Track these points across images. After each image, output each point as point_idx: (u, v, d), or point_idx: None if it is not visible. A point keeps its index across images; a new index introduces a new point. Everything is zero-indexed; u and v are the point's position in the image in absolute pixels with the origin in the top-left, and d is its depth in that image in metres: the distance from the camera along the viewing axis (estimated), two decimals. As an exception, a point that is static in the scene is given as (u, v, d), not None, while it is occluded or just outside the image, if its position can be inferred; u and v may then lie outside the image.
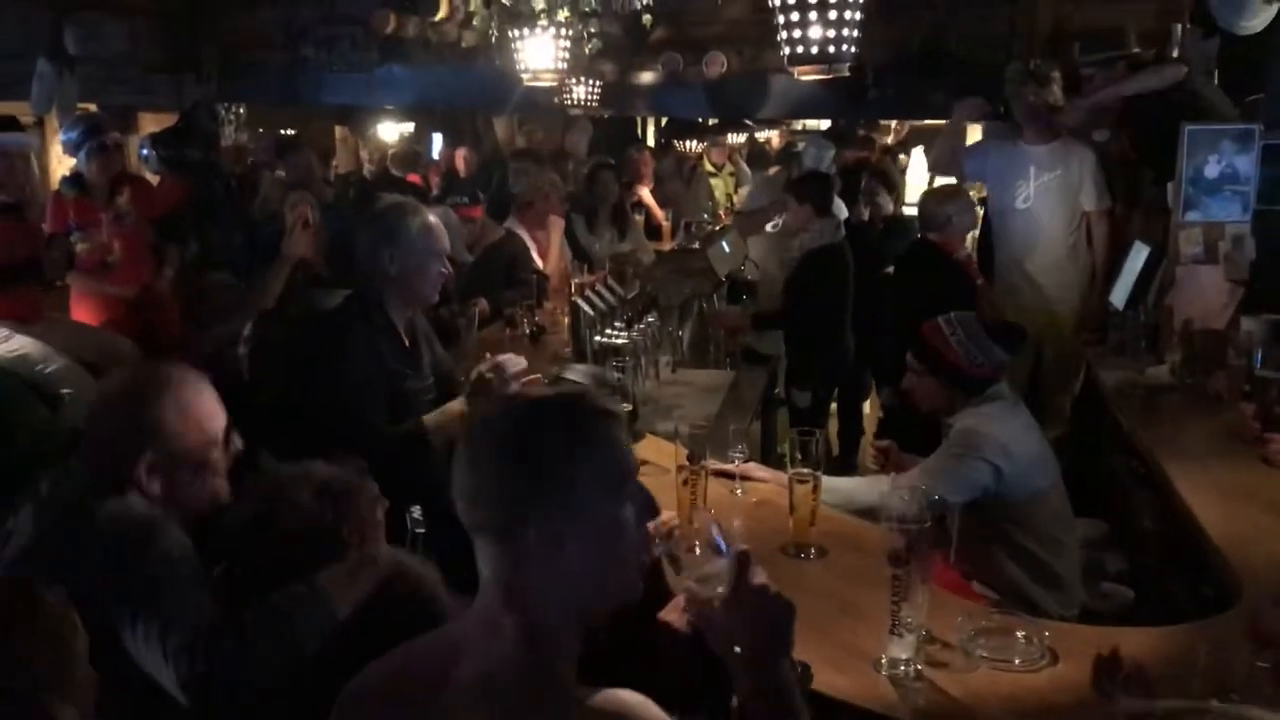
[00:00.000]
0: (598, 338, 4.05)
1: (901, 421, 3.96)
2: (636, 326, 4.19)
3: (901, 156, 9.87)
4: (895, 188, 7.06)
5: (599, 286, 4.36)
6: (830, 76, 3.21)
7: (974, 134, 6.86)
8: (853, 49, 3.09)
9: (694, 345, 5.87)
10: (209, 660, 1.77)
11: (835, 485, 2.96)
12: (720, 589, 1.62)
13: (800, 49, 2.98)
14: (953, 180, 5.61)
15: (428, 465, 3.14)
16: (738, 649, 1.56)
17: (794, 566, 2.58)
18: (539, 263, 5.52)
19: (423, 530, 2.42)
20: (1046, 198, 4.99)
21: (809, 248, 5.17)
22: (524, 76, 4.84)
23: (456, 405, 3.13)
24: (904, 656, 2.07)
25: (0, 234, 4.32)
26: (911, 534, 2.07)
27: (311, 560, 2.02)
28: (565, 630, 1.47)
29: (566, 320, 4.57)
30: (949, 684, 2.04)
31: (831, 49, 2.98)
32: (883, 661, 2.09)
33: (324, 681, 1.62)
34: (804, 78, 3.30)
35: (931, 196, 5.31)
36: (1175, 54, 4.94)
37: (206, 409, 2.08)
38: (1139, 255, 4.68)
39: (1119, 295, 4.70)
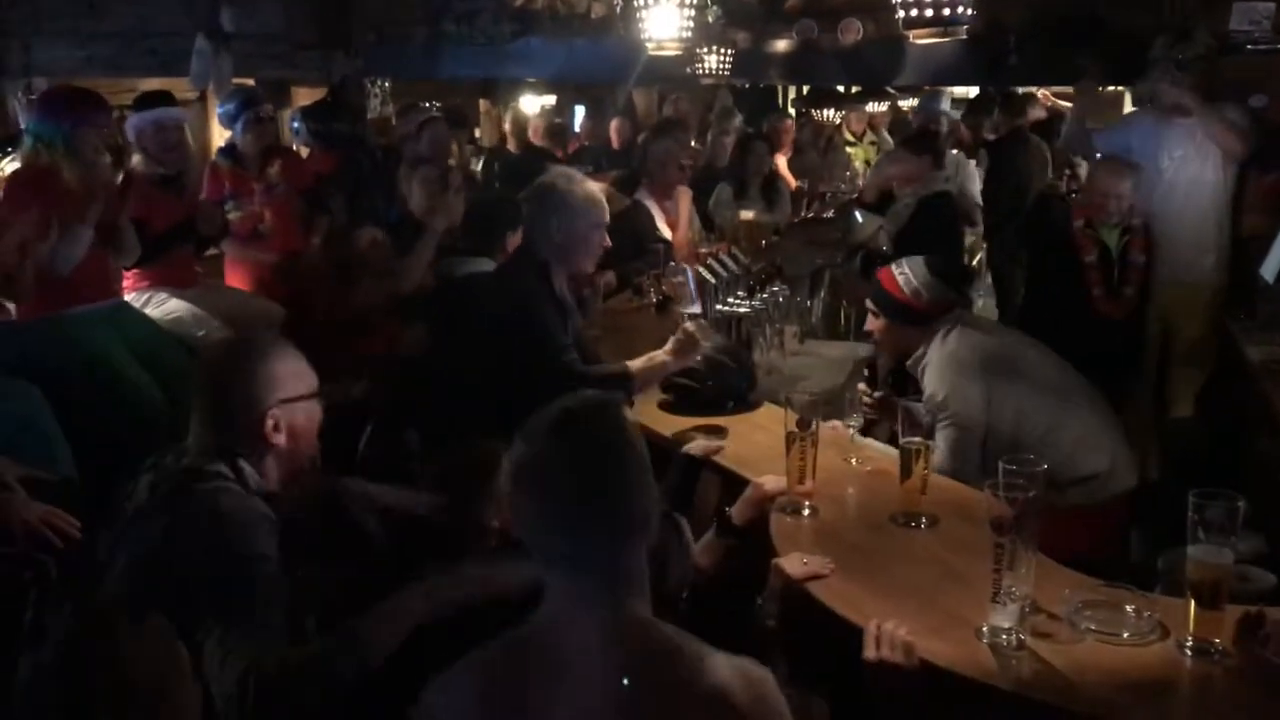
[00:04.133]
0: (719, 306, 4.07)
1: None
2: (759, 295, 4.19)
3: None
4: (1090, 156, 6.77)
5: (722, 255, 4.37)
6: (946, 39, 3.14)
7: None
8: (969, 10, 3.01)
9: (825, 316, 5.83)
10: (255, 696, 1.81)
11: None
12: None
13: (915, 11, 2.94)
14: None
15: None
16: None
17: (904, 535, 2.58)
18: (666, 232, 5.55)
19: None
20: (1189, 169, 4.78)
21: (919, 196, 5.19)
22: (648, 46, 4.86)
23: (661, 355, 3.33)
24: (1006, 625, 2.06)
25: (159, 204, 4.57)
26: (1018, 503, 2.05)
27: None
28: None
29: (692, 289, 4.59)
30: (1051, 655, 2.02)
31: (946, 11, 2.92)
32: (984, 630, 2.08)
33: None
34: (919, 41, 3.24)
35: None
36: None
37: (304, 360, 2.22)
38: (1291, 225, 4.44)
39: (1269, 268, 4.47)
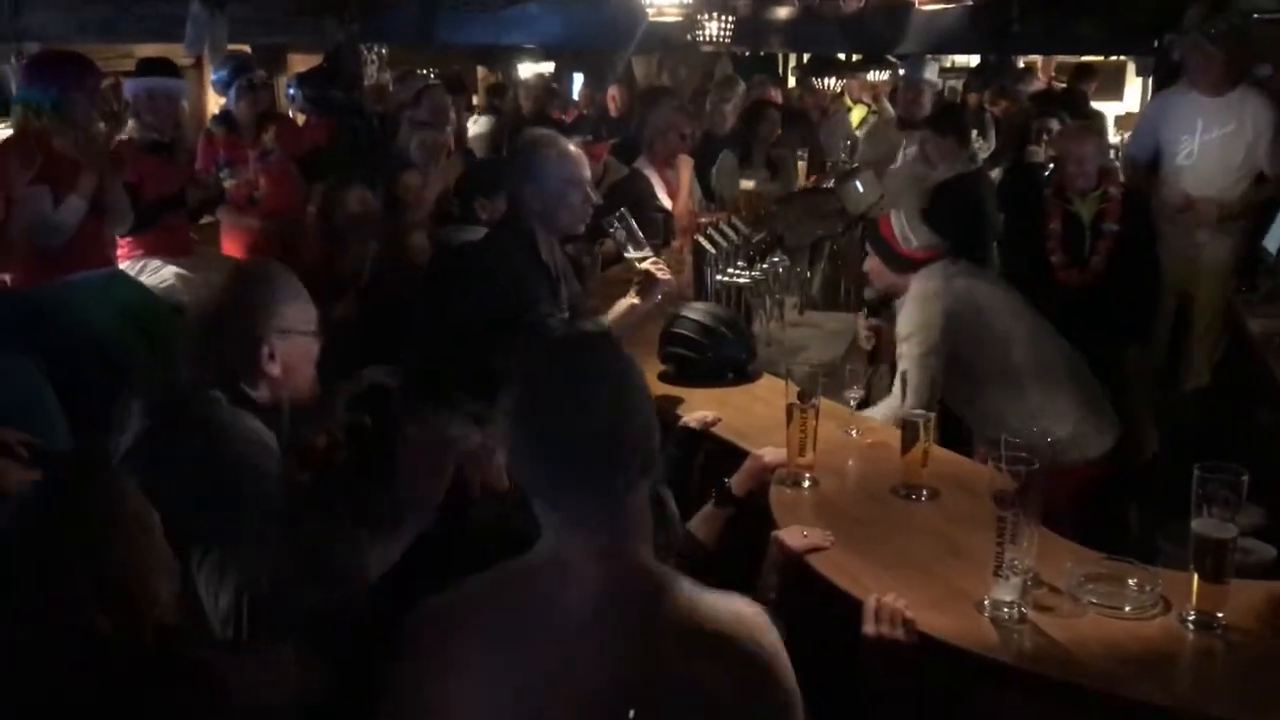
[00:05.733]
0: (719, 277, 4.03)
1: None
2: (759, 266, 4.15)
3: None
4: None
5: (722, 225, 4.32)
6: (955, 6, 3.09)
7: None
8: (980, -24, 2.96)
9: (824, 288, 5.78)
10: (250, 615, 1.81)
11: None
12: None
13: (923, -24, 2.89)
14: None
15: None
16: None
17: (904, 508, 2.56)
18: (666, 202, 5.50)
19: None
20: (1213, 154, 4.73)
21: (941, 178, 5.11)
22: (649, 11, 4.80)
23: (627, 300, 3.28)
24: (1008, 599, 2.04)
25: (152, 171, 4.54)
26: (1021, 476, 2.03)
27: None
28: None
29: (690, 259, 4.55)
30: (1053, 628, 2.01)
31: (956, -24, 2.87)
32: (986, 603, 2.06)
33: None
34: (922, 8, 3.18)
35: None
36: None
37: (306, 296, 2.23)
38: (1294, 198, 4.42)
39: (1272, 241, 4.45)
